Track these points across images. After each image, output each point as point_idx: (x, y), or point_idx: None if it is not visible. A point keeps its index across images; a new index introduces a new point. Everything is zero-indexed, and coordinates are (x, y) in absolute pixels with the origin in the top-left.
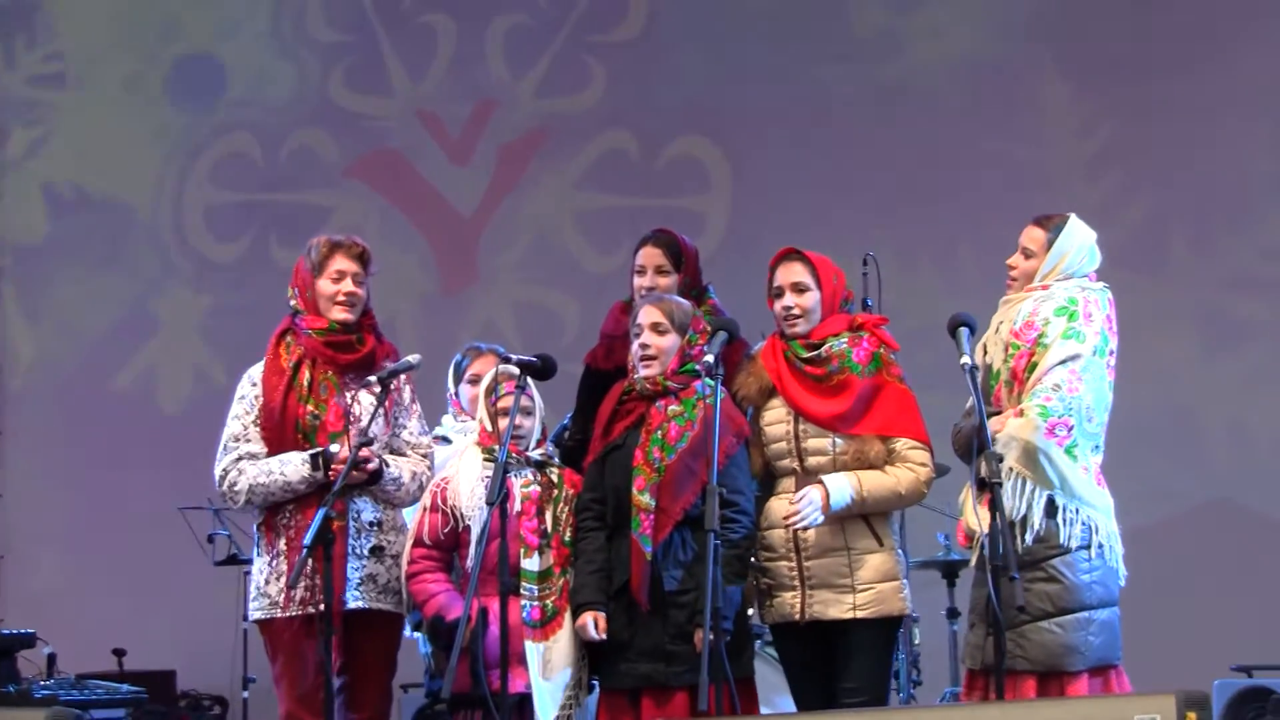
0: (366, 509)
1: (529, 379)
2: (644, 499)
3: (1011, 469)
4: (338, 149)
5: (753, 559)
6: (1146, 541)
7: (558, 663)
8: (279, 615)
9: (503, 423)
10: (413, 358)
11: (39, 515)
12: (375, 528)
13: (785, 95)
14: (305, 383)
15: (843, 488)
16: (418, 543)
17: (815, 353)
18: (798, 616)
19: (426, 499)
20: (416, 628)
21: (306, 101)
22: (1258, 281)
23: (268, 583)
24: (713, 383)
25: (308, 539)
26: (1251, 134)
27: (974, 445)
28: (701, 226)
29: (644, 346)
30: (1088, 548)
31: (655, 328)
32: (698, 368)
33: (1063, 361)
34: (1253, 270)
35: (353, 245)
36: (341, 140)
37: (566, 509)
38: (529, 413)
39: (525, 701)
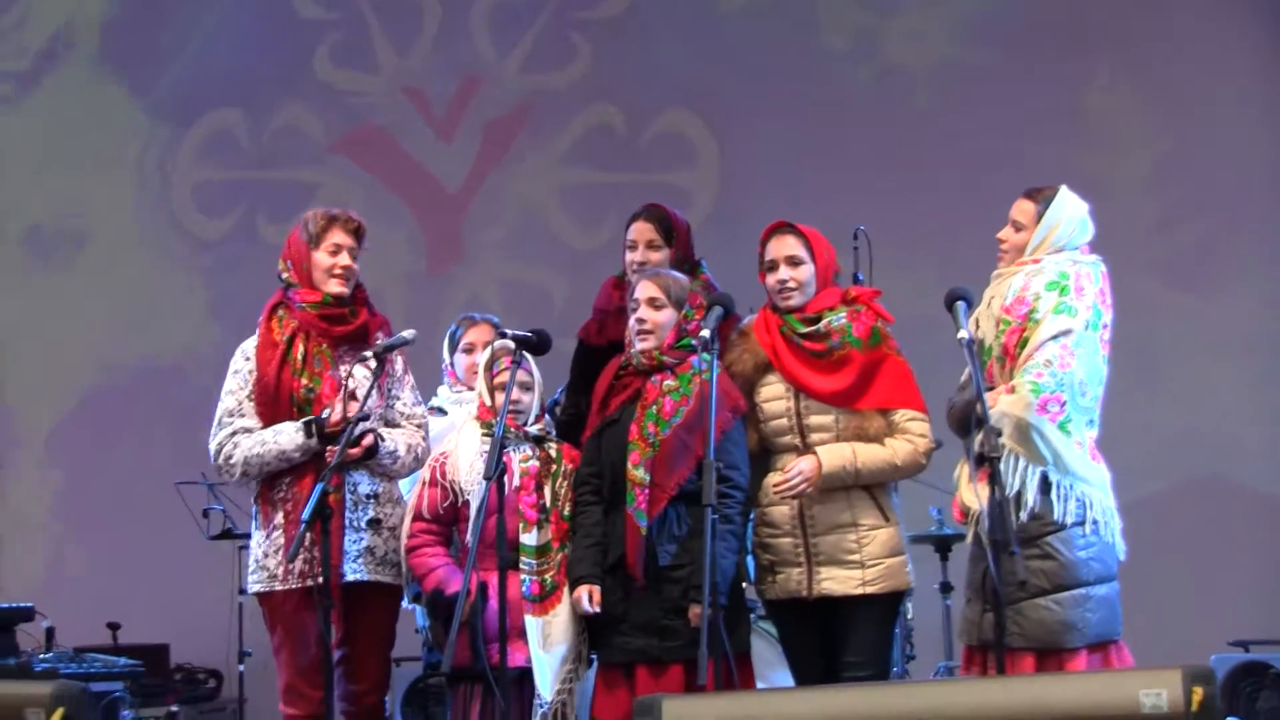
0: (363, 482)
1: (526, 354)
2: (639, 474)
3: (1004, 445)
4: (323, 126)
5: (751, 534)
6: (1139, 516)
7: (557, 637)
8: (278, 588)
9: (500, 397)
10: (408, 333)
11: (34, 490)
12: (372, 500)
13: (772, 69)
14: (299, 356)
15: (836, 459)
16: (417, 516)
17: (814, 328)
18: (805, 593)
19: (425, 473)
20: (415, 600)
21: (292, 78)
22: None
23: (266, 556)
24: (709, 357)
25: (305, 513)
26: None
27: (971, 419)
28: (688, 202)
29: (640, 321)
30: (1083, 524)
31: (651, 302)
32: (694, 343)
33: (1054, 337)
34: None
35: (349, 219)
36: (327, 117)
37: (565, 484)
38: (527, 388)
39: (525, 675)
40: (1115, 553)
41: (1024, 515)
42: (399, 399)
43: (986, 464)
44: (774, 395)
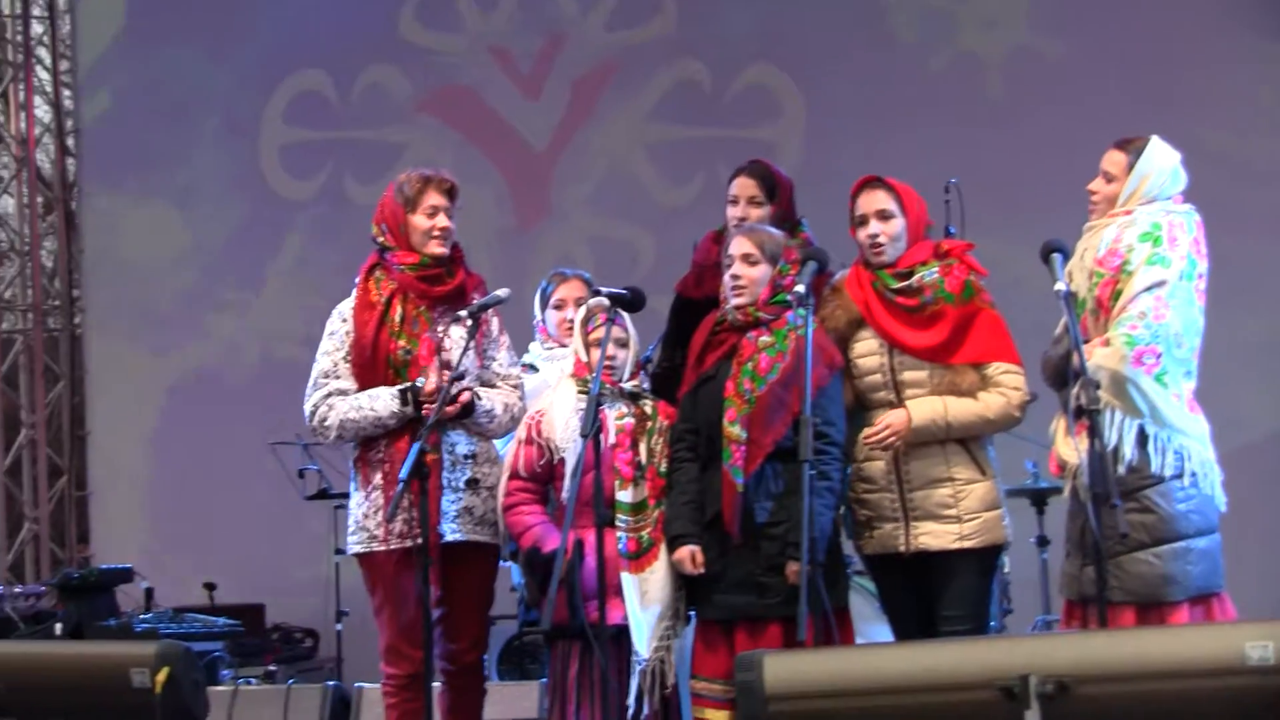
0: (461, 442)
1: (621, 311)
2: (735, 430)
3: (1102, 398)
4: (409, 85)
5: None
6: (1241, 466)
7: (654, 594)
8: (378, 549)
9: (596, 354)
10: (501, 291)
11: (127, 453)
12: (470, 460)
13: (858, 21)
14: (398, 318)
15: (925, 413)
16: (513, 475)
17: (906, 283)
18: (903, 548)
19: (522, 431)
20: (511, 558)
21: (378, 38)
22: None
23: (365, 517)
24: (805, 313)
25: (403, 473)
26: None
27: (1068, 372)
28: (773, 156)
29: (735, 277)
30: (1181, 476)
31: (746, 258)
32: (789, 298)
33: (1148, 288)
34: None
35: (443, 180)
36: (413, 76)
37: (661, 440)
38: (623, 344)
39: (623, 633)
40: (1215, 505)
41: (1122, 469)
42: (495, 359)
43: (1085, 417)
44: (868, 351)
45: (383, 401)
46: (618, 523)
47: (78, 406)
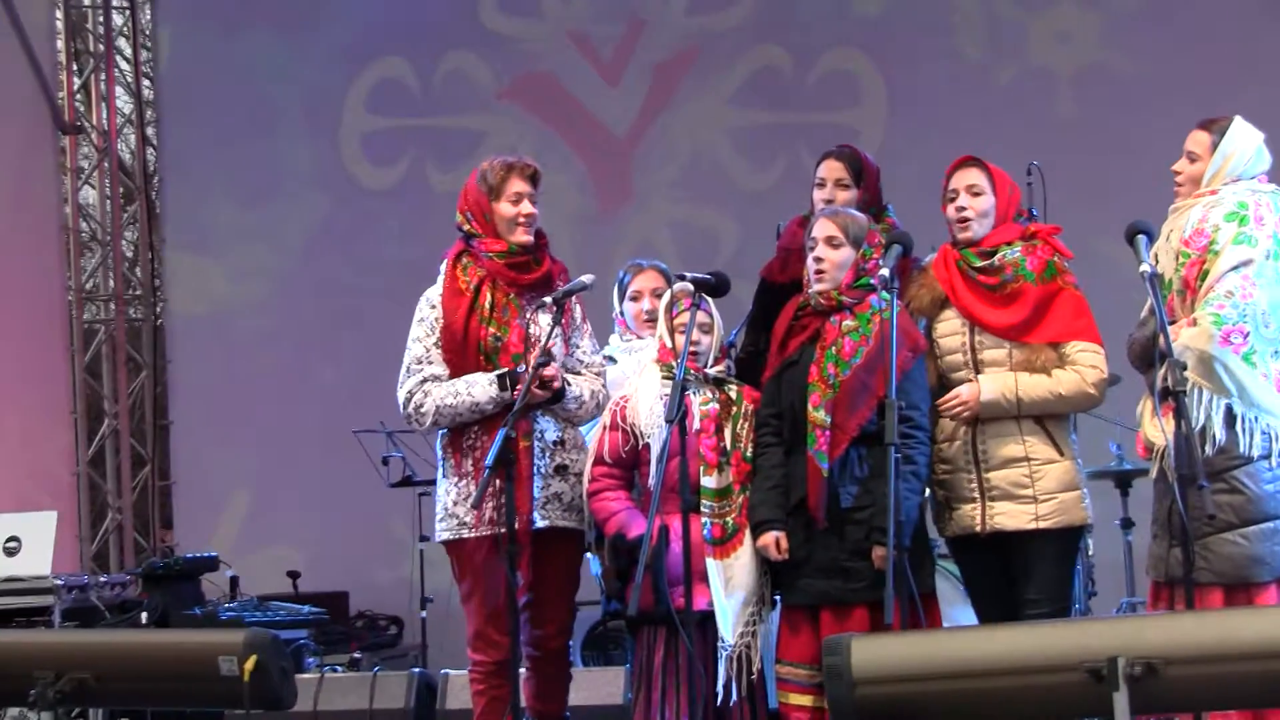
0: (550, 428)
1: (705, 296)
2: (819, 415)
3: (1188, 379)
4: (490, 73)
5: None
6: None
7: (739, 580)
8: (468, 535)
9: (680, 340)
10: (586, 278)
11: (209, 442)
12: (559, 446)
13: (940, 6)
14: (487, 305)
15: (995, 387)
16: (598, 461)
17: (988, 261)
18: (979, 528)
19: (606, 417)
20: (597, 543)
21: (459, 25)
22: None
23: (455, 504)
24: (889, 296)
25: (489, 459)
26: None
27: (1154, 354)
28: (855, 141)
29: (818, 261)
30: (1269, 456)
31: (829, 241)
32: (873, 281)
33: (1235, 267)
34: None
35: (525, 166)
36: (494, 64)
37: (746, 425)
38: (707, 330)
39: (708, 619)
40: None
41: (1209, 449)
42: (579, 346)
43: (1171, 398)
44: (950, 330)
45: (480, 387)
46: (703, 508)
47: (160, 396)
